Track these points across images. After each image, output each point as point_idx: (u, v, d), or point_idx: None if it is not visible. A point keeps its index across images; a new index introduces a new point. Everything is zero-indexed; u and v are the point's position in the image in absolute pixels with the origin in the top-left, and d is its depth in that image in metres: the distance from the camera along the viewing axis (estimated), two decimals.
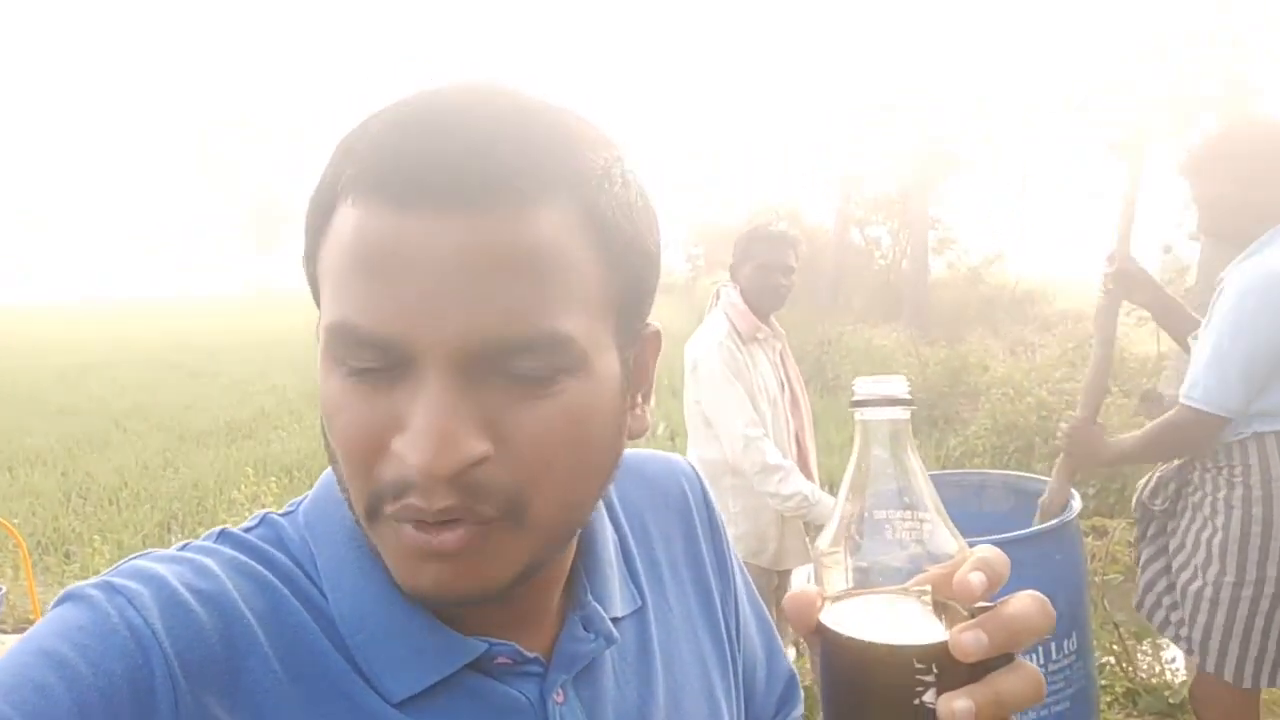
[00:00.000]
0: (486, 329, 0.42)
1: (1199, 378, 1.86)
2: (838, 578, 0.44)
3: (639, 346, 0.53)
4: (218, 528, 0.53)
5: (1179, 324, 2.11)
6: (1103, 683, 2.79)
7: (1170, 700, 2.87)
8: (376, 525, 0.46)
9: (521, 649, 0.52)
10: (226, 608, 0.47)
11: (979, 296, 15.46)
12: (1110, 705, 2.84)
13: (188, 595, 0.46)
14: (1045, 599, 0.42)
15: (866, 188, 16.97)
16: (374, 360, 0.43)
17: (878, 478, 0.44)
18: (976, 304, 15.06)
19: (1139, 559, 2.13)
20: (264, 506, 5.06)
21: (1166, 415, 1.93)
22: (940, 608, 0.42)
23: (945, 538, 0.43)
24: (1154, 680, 3.04)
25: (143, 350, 18.56)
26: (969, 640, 0.39)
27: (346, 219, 0.44)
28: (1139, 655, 3.17)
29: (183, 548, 0.51)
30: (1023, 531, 2.06)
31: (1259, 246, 1.87)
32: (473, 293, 0.41)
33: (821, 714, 0.45)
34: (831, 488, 3.20)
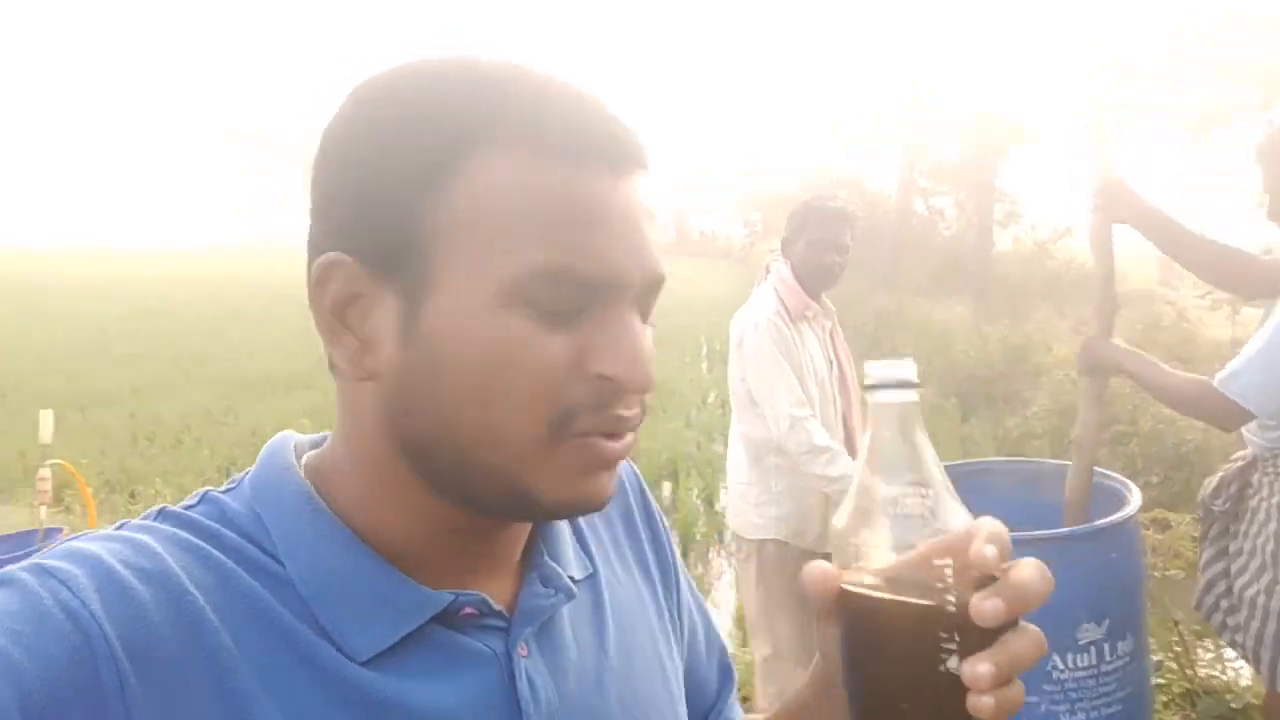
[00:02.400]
0: (659, 270, 0.51)
1: (1243, 369, 1.77)
2: (852, 554, 0.47)
3: None
4: (156, 506, 0.51)
5: (1172, 239, 2.01)
6: (1159, 681, 2.69)
7: (1232, 704, 2.75)
8: (558, 446, 0.48)
9: (489, 599, 0.53)
10: (170, 584, 0.45)
11: (1045, 272, 14.95)
12: (1166, 706, 2.74)
13: (126, 573, 0.44)
14: (1044, 566, 0.45)
15: (931, 155, 16.46)
16: (577, 298, 0.48)
17: (889, 457, 0.47)
18: (1042, 280, 14.56)
19: (1200, 558, 2.04)
20: None
21: (1201, 380, 1.84)
22: (951, 577, 0.45)
23: (952, 512, 0.46)
24: (1214, 682, 2.93)
25: (204, 296, 19.09)
26: (990, 608, 0.43)
27: (516, 168, 0.47)
28: (1199, 654, 3.05)
29: (119, 526, 0.49)
30: (1079, 528, 1.97)
31: None
32: (653, 240, 0.51)
33: (842, 683, 0.49)
34: None
